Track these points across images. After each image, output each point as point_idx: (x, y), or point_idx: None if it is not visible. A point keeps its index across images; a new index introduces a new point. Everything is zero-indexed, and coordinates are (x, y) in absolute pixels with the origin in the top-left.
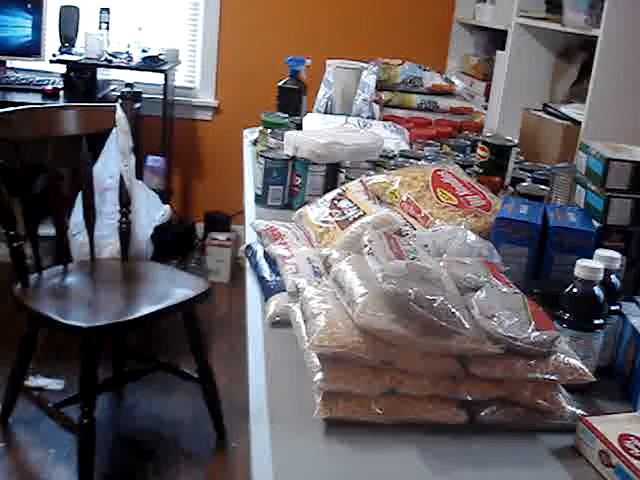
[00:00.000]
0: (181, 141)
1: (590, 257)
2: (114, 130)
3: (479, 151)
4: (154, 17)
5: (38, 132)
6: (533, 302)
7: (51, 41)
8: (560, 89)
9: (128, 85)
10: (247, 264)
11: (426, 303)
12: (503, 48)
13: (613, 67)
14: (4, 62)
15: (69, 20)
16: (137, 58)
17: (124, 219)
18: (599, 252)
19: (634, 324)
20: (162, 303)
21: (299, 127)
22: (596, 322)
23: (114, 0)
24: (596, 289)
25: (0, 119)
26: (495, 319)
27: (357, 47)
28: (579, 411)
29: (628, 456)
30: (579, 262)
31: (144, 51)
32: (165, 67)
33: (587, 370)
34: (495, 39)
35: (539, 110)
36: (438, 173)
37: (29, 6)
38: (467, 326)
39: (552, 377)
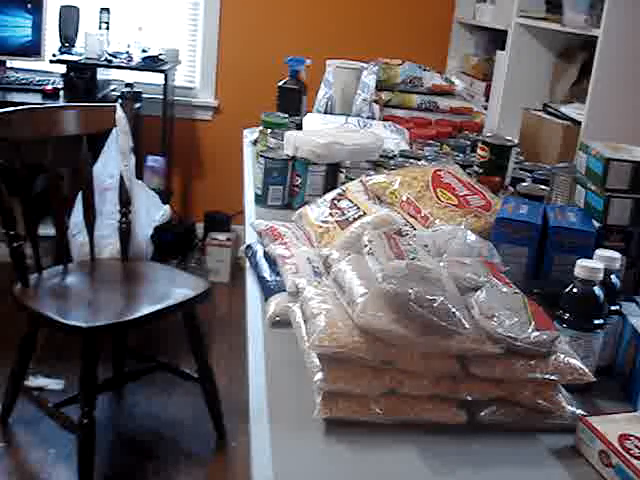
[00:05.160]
0: (181, 141)
1: (590, 257)
2: (114, 130)
3: (479, 151)
4: (154, 17)
5: (38, 132)
6: (533, 302)
7: (51, 41)
8: (560, 89)
9: (128, 85)
10: (247, 264)
11: (426, 303)
12: (503, 48)
13: (613, 67)
14: (4, 62)
15: (69, 20)
16: (137, 58)
17: (124, 219)
18: (599, 252)
19: (634, 324)
20: (162, 303)
21: (299, 127)
22: (596, 322)
23: (114, 0)
24: (596, 289)
25: (0, 119)
26: (495, 319)
27: (357, 47)
28: (579, 411)
29: (628, 456)
30: (579, 262)
31: (144, 51)
32: (165, 67)
33: (587, 370)
34: (495, 39)
35: (539, 110)
36: (438, 173)
37: (29, 6)
38: (467, 326)
39: (552, 377)
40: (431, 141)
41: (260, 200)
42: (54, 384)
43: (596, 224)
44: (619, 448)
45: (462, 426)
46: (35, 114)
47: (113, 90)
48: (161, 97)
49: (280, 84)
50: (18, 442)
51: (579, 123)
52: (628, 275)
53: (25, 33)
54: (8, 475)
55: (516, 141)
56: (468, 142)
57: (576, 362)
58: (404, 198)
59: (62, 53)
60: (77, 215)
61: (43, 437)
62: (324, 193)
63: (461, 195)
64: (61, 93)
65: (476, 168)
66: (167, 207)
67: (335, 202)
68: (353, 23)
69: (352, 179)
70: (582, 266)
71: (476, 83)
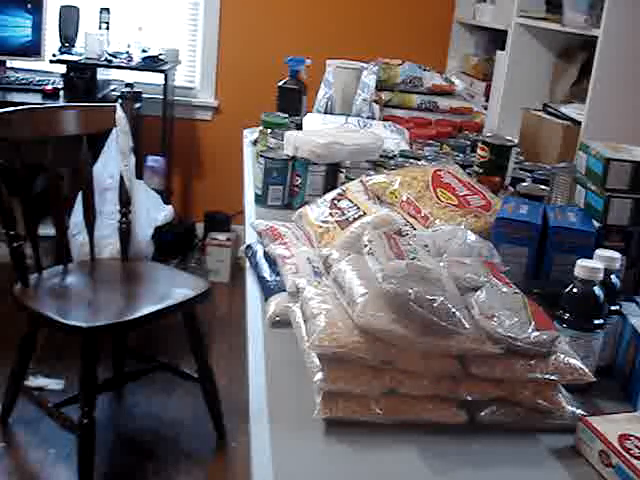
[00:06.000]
0: (181, 141)
1: (590, 257)
2: (114, 130)
3: (479, 151)
4: (154, 17)
5: (38, 132)
6: (533, 302)
7: (51, 41)
8: (560, 89)
9: (128, 85)
10: (247, 264)
11: (426, 303)
12: (503, 48)
13: (613, 67)
14: (4, 62)
15: (69, 20)
16: (137, 58)
17: (124, 219)
18: (599, 252)
19: (634, 324)
20: (162, 303)
21: (299, 127)
22: (596, 322)
23: (114, 0)
24: (596, 289)
25: (0, 119)
26: (495, 319)
27: (357, 47)
28: (579, 411)
29: (628, 456)
30: (579, 262)
31: (144, 51)
32: (165, 67)
33: (587, 370)
34: (495, 39)
35: (539, 110)
36: (438, 173)
37: (29, 6)
38: (467, 326)
39: (552, 377)
40: (431, 141)
41: (260, 200)
42: (54, 384)
43: (596, 224)
44: (619, 448)
45: (462, 426)
46: (35, 114)
47: (113, 90)
48: (161, 97)
49: (280, 84)
50: (18, 442)
51: (579, 123)
52: (628, 275)
53: (25, 33)
54: (8, 475)
55: (516, 141)
56: (468, 142)
57: (576, 362)
58: (404, 198)
59: (62, 53)
60: (77, 215)
61: (43, 437)
62: (324, 193)
63: (461, 195)
64: (61, 93)
65: (476, 168)
66: (170, 207)
67: (335, 202)
68: (353, 23)
69: (352, 179)
70: (582, 266)
71: (476, 83)
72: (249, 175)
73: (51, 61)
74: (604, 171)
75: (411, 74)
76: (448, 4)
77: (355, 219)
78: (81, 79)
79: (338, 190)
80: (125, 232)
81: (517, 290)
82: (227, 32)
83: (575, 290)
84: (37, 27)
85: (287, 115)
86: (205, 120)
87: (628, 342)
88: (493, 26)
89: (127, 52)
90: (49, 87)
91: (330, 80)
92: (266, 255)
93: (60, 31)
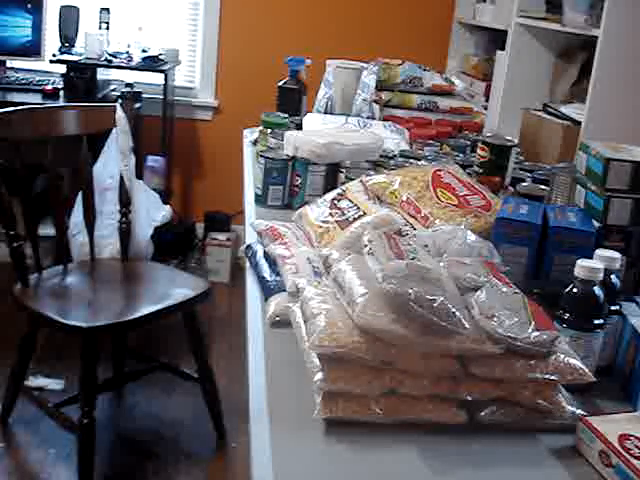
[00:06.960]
0: (181, 141)
1: (590, 257)
2: (114, 130)
3: (479, 151)
4: (154, 17)
5: (38, 132)
6: (533, 302)
7: (51, 41)
8: (560, 89)
9: (128, 85)
10: (247, 264)
11: (426, 303)
12: (503, 48)
13: (613, 67)
14: (4, 62)
15: (69, 20)
16: (137, 58)
17: (124, 219)
18: (599, 252)
19: (634, 324)
20: (162, 303)
21: (299, 127)
22: (596, 322)
23: (114, 0)
24: (596, 289)
25: (0, 119)
26: (495, 319)
27: (357, 47)
28: (579, 411)
29: (628, 456)
30: (579, 262)
31: (144, 51)
32: (165, 67)
33: (587, 370)
34: (495, 39)
35: (539, 110)
36: (438, 173)
37: (29, 6)
38: (467, 326)
39: (552, 377)
40: (431, 141)
41: (260, 200)
42: (54, 384)
43: (596, 224)
44: (619, 448)
45: (462, 426)
46: (35, 114)
47: (113, 90)
48: (161, 97)
49: (280, 84)
50: (18, 442)
51: (579, 123)
52: (628, 275)
53: (25, 33)
54: (8, 475)
55: (516, 141)
56: (468, 142)
57: (576, 362)
58: (404, 198)
59: (62, 53)
60: (77, 215)
61: (43, 437)
62: (324, 193)
63: (461, 195)
64: (61, 93)
65: (476, 168)
66: (168, 207)
67: (335, 202)
68: (353, 23)
69: (352, 179)
70: (582, 266)
71: (476, 83)
72: (249, 175)
73: (51, 61)
74: (604, 171)
75: (411, 74)
76: (448, 4)
77: (355, 219)
78: (81, 79)
79: (338, 190)
80: (125, 232)
81: (517, 290)
82: (227, 32)
83: (575, 290)
84: (37, 27)
85: (287, 115)
86: (205, 120)
87: (628, 342)
88: (493, 26)
89: (127, 52)
90: (49, 87)
91: (330, 80)
92: (266, 255)
93: (60, 31)
